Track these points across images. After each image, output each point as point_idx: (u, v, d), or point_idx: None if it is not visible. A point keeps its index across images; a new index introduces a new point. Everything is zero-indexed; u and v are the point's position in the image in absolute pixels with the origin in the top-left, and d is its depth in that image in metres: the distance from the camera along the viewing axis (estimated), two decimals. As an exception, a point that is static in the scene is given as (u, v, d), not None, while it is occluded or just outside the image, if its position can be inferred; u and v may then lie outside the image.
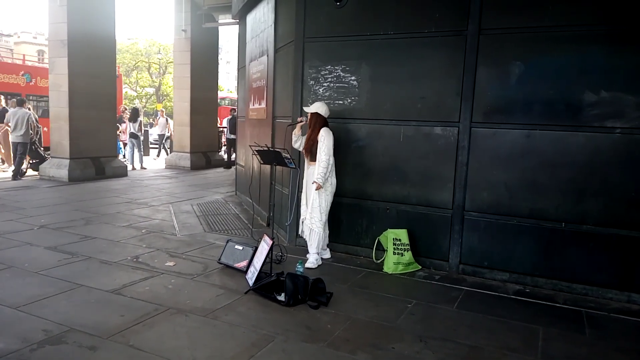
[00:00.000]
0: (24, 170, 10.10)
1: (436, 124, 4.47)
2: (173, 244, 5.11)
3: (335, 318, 3.34)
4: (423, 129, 4.53)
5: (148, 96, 42.34)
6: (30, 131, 9.94)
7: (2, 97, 12.01)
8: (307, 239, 4.57)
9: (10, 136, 10.03)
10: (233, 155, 12.57)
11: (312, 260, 4.47)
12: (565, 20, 3.92)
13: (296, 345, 2.92)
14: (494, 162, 4.26)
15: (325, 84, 4.93)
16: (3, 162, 11.51)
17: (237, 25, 9.03)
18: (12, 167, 10.06)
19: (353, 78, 4.80)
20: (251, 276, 3.86)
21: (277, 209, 5.13)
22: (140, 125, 12.42)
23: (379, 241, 4.65)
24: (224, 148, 15.78)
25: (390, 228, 4.58)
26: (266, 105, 6.21)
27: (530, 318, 3.47)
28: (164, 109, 17.14)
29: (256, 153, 4.63)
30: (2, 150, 11.19)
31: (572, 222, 4.00)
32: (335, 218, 4.85)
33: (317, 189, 4.35)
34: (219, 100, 16.40)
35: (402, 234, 4.50)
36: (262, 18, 6.56)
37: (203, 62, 13.15)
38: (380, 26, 4.63)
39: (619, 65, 3.80)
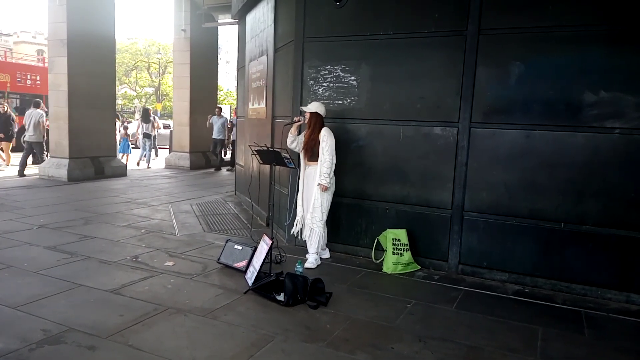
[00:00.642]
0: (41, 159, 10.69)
1: (436, 124, 4.47)
2: (172, 244, 5.11)
3: (334, 318, 3.34)
4: (422, 129, 4.54)
5: (147, 96, 42.34)
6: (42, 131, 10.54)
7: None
8: (306, 239, 4.57)
9: (24, 135, 10.60)
10: (230, 155, 12.62)
11: (312, 260, 4.47)
12: (565, 20, 3.92)
13: (295, 345, 2.92)
14: (493, 162, 4.26)
15: (324, 84, 4.93)
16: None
17: (237, 25, 9.03)
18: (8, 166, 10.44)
19: (353, 78, 4.80)
20: (250, 276, 3.86)
21: (276, 209, 5.13)
22: (152, 125, 13.12)
23: (378, 241, 4.65)
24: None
25: (389, 228, 4.58)
26: (266, 105, 6.21)
27: (530, 318, 3.47)
28: (150, 108, 17.05)
29: (256, 153, 4.63)
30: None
31: (572, 223, 4.00)
32: (335, 218, 4.85)
33: (324, 190, 4.36)
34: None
35: (402, 234, 4.50)
36: (261, 18, 6.56)
37: (202, 62, 13.14)
38: (380, 26, 4.63)
39: (618, 65, 3.80)
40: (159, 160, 15.15)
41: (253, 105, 7.02)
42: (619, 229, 3.86)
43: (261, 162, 4.69)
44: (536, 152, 4.08)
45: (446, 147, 4.42)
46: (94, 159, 10.08)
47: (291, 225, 4.98)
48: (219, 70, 15.11)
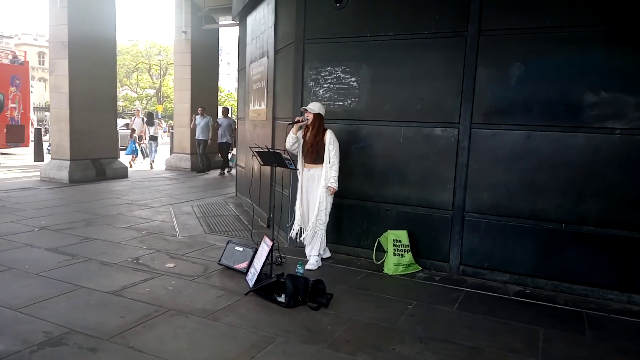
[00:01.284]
0: None
1: (436, 125, 4.47)
2: (173, 246, 5.11)
3: (335, 319, 3.33)
4: (423, 130, 4.54)
5: (148, 97, 42.41)
6: None
7: None
8: (307, 241, 4.55)
9: None
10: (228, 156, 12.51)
11: (313, 261, 4.47)
12: (565, 21, 3.92)
13: (296, 346, 2.91)
14: (494, 163, 4.26)
15: (325, 85, 4.94)
16: None
17: (237, 27, 9.04)
18: None
19: (353, 79, 4.80)
20: (251, 277, 3.86)
21: (277, 211, 5.13)
22: (156, 127, 13.69)
23: (379, 242, 4.65)
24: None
25: (390, 229, 4.58)
26: (266, 106, 6.22)
27: (531, 319, 3.47)
28: (139, 109, 17.04)
29: (256, 154, 4.63)
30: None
31: (572, 223, 4.00)
32: (336, 219, 4.85)
33: (333, 192, 4.39)
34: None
35: (403, 235, 4.50)
36: (262, 19, 6.56)
37: (203, 64, 13.16)
38: (380, 27, 4.63)
39: (618, 65, 3.80)
40: (160, 161, 15.17)
41: (254, 106, 7.03)
42: (620, 229, 3.85)
43: (262, 163, 4.69)
44: (537, 152, 4.08)
45: (447, 148, 4.42)
46: (95, 161, 10.09)
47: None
48: (219, 71, 15.12)
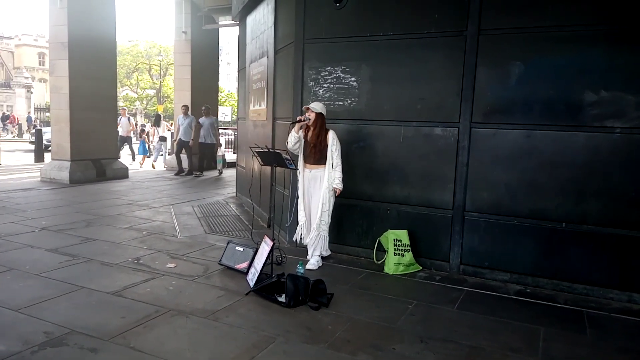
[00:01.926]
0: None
1: (436, 125, 4.47)
2: (174, 246, 5.11)
3: (336, 319, 3.34)
4: (423, 130, 4.54)
5: (149, 98, 42.42)
6: None
7: None
8: (309, 243, 4.52)
9: None
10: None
11: (314, 262, 4.47)
12: (565, 20, 3.92)
13: (297, 346, 2.92)
14: (494, 163, 4.26)
15: (325, 85, 4.94)
16: None
17: (237, 27, 9.04)
18: None
19: (353, 79, 4.80)
20: (252, 277, 3.86)
21: (277, 210, 5.14)
22: (164, 128, 14.17)
23: (379, 242, 4.65)
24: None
25: (390, 229, 4.58)
26: (266, 106, 6.22)
27: (531, 318, 3.47)
28: (125, 108, 16.82)
29: (256, 154, 4.63)
30: None
31: (573, 222, 4.00)
32: (336, 219, 4.84)
33: (338, 193, 4.41)
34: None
35: (403, 235, 4.50)
36: (262, 19, 6.57)
37: (203, 64, 13.15)
38: (380, 27, 4.63)
39: (618, 65, 3.80)
40: (159, 162, 15.18)
41: (254, 106, 7.04)
42: (620, 228, 3.85)
43: (262, 163, 4.69)
44: (537, 152, 4.08)
45: (447, 148, 4.42)
46: (96, 161, 10.09)
47: (292, 228, 4.97)
48: (219, 71, 15.13)
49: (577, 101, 3.92)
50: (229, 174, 12.10)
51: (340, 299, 3.69)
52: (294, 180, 4.99)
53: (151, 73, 42.87)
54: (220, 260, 4.43)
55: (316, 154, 4.40)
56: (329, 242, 4.73)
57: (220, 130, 14.20)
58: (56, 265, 4.30)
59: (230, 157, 14.86)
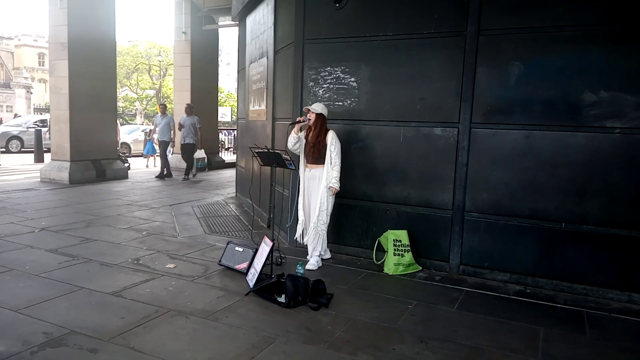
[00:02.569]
0: None
1: (436, 125, 4.47)
2: (174, 246, 5.11)
3: (335, 319, 3.34)
4: (423, 130, 4.54)
5: (149, 98, 42.42)
6: None
7: None
8: (309, 242, 4.53)
9: None
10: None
11: (313, 262, 4.47)
12: (565, 20, 3.92)
13: (297, 346, 2.92)
14: (494, 163, 4.26)
15: (325, 86, 4.94)
16: None
17: (237, 27, 9.04)
18: None
19: (353, 79, 4.80)
20: (251, 278, 3.86)
21: (277, 211, 5.14)
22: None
23: (379, 242, 4.65)
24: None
25: (390, 229, 4.58)
26: (266, 106, 6.22)
27: (531, 318, 3.47)
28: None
29: (256, 155, 4.63)
30: None
31: (573, 223, 4.00)
32: (336, 219, 4.84)
33: (335, 193, 4.40)
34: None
35: (403, 235, 4.50)
36: (261, 20, 6.57)
37: (203, 64, 13.16)
38: (379, 27, 4.63)
39: (618, 65, 3.80)
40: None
41: (254, 107, 7.04)
42: (620, 228, 3.85)
43: (262, 163, 4.69)
44: (537, 152, 4.08)
45: (447, 148, 4.42)
46: (96, 162, 10.09)
47: (293, 228, 4.98)
48: (219, 72, 15.13)
49: (577, 101, 3.92)
50: (229, 174, 12.12)
51: (340, 299, 3.69)
52: (294, 181, 5.00)
53: (151, 73, 42.88)
54: (220, 261, 4.43)
55: (315, 154, 4.42)
56: (329, 243, 4.75)
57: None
58: (56, 265, 4.30)
59: (230, 157, 14.84)
